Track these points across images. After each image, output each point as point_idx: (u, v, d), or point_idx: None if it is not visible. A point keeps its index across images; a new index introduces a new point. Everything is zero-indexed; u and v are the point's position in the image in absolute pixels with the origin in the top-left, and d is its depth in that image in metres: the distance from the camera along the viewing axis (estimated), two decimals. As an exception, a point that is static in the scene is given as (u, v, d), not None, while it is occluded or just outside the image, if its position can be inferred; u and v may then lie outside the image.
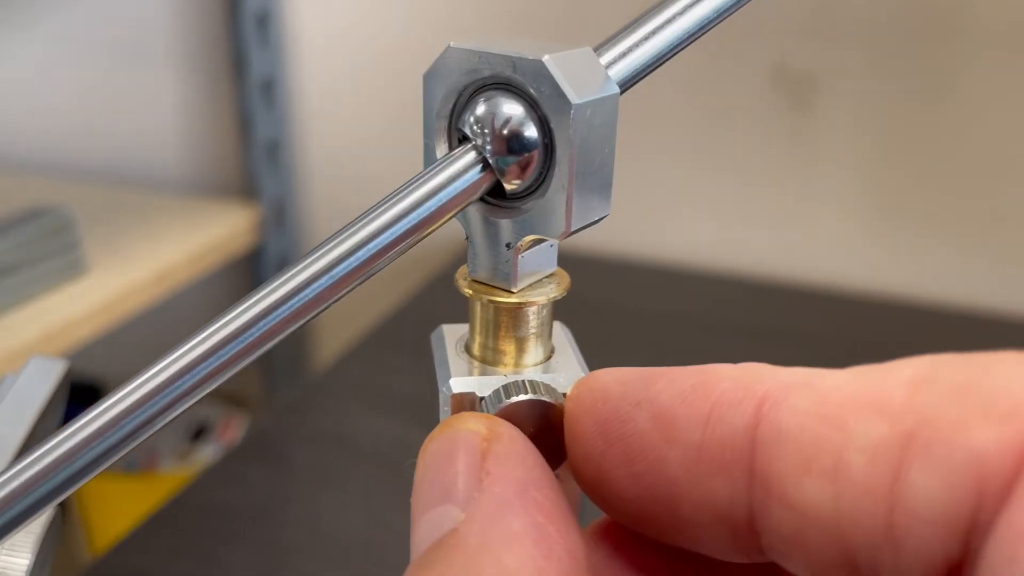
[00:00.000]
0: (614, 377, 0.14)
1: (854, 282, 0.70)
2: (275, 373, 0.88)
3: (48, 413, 0.23)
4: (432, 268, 0.77)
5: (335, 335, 0.86)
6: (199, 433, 0.84)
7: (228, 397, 0.90)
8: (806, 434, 0.12)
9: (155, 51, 0.83)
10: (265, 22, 0.77)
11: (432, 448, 0.14)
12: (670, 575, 0.14)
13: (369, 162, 0.80)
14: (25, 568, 0.19)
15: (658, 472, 0.13)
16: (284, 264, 0.83)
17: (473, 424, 0.14)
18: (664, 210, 0.73)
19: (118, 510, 0.77)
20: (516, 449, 0.13)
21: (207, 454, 0.82)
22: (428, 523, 0.13)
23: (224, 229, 0.78)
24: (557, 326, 0.17)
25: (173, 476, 0.80)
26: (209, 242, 0.76)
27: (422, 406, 0.55)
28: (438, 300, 0.69)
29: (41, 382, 0.24)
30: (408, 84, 0.77)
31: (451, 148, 0.15)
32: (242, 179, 0.84)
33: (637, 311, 0.66)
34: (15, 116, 0.91)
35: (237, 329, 0.14)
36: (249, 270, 0.86)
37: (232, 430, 0.85)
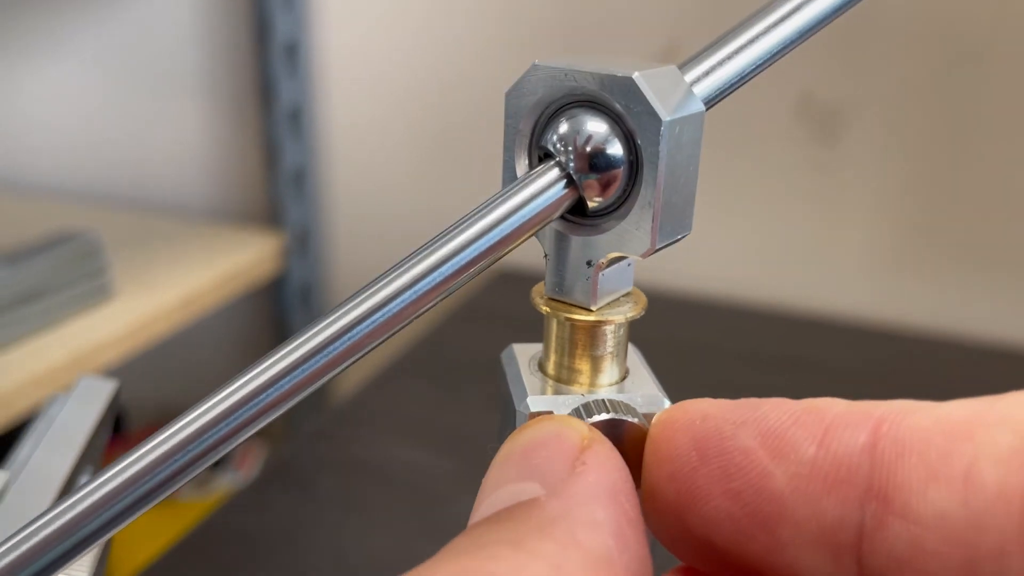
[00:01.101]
0: (712, 403, 0.14)
1: (880, 314, 0.70)
2: (296, 405, 0.87)
3: (99, 433, 0.23)
4: (455, 298, 0.77)
5: (355, 367, 0.86)
6: (218, 462, 0.84)
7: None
8: (932, 447, 0.12)
9: (184, 79, 0.84)
10: (294, 52, 0.77)
11: (527, 432, 0.13)
12: None
13: (394, 191, 0.81)
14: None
15: (760, 489, 0.13)
16: (307, 291, 0.83)
17: (575, 423, 0.14)
18: (688, 241, 0.73)
19: (136, 537, 0.77)
20: (615, 456, 0.13)
21: (226, 482, 0.82)
22: (502, 494, 0.12)
23: (248, 256, 0.78)
24: (630, 347, 0.17)
25: (192, 504, 0.79)
26: (233, 268, 0.76)
27: (447, 435, 0.55)
28: (461, 330, 0.69)
29: (91, 402, 0.24)
30: (434, 115, 0.77)
31: (532, 166, 0.15)
32: (267, 206, 0.84)
33: (659, 342, 0.65)
34: (44, 141, 0.92)
35: (319, 344, 0.14)
36: (272, 297, 0.86)
37: (251, 459, 0.85)
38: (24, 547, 0.13)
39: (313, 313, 0.85)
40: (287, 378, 0.14)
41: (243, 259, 0.77)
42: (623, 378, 0.16)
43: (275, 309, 0.86)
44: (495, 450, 0.14)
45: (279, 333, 0.86)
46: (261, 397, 0.14)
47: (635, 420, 0.15)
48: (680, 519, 0.13)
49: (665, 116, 0.13)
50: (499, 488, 0.13)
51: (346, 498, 0.49)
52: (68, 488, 0.21)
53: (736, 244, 0.73)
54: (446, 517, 0.47)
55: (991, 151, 0.65)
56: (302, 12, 0.77)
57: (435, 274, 0.14)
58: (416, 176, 0.79)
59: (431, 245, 0.14)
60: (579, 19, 0.71)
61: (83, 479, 0.23)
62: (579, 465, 0.13)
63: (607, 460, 0.13)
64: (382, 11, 0.76)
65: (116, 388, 0.24)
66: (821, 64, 0.67)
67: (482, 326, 0.69)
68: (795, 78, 0.68)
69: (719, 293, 0.73)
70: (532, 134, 0.15)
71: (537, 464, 0.13)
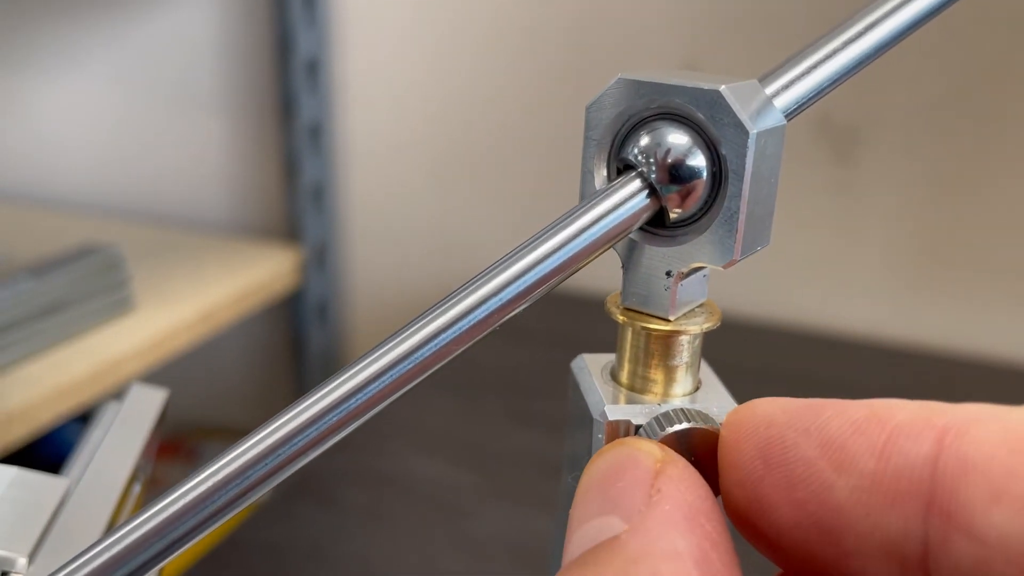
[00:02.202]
0: (778, 405, 0.14)
1: (897, 332, 0.70)
2: (310, 416, 0.87)
3: (151, 441, 0.23)
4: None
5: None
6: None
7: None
8: (996, 464, 0.11)
9: (204, 94, 0.85)
10: (315, 68, 0.78)
11: (601, 462, 0.14)
12: None
13: (412, 207, 0.81)
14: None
15: (823, 500, 0.13)
16: (325, 306, 0.83)
17: (647, 446, 0.14)
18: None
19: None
20: (689, 475, 0.13)
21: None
22: (587, 531, 0.13)
23: (267, 270, 0.78)
24: (701, 361, 0.17)
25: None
26: (252, 283, 0.76)
27: (470, 448, 0.55)
28: (485, 345, 0.69)
29: (144, 411, 0.24)
30: (453, 131, 0.78)
31: (610, 178, 0.15)
32: (286, 221, 0.84)
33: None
34: (64, 157, 0.93)
35: (405, 352, 0.14)
36: (290, 311, 0.86)
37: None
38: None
39: (330, 328, 0.86)
40: (376, 383, 0.14)
41: (262, 273, 0.77)
42: (696, 389, 0.16)
43: (293, 323, 0.86)
44: (576, 479, 0.14)
45: (296, 347, 0.87)
46: (343, 407, 0.14)
47: (712, 428, 0.15)
48: (752, 524, 0.14)
49: (752, 129, 0.14)
50: (584, 524, 0.13)
51: (371, 510, 0.49)
52: (126, 497, 0.21)
53: (752, 263, 0.73)
54: (469, 529, 0.47)
55: (1008, 171, 0.65)
56: (324, 29, 0.78)
57: (522, 280, 0.14)
58: (434, 192, 0.79)
59: (516, 252, 0.15)
60: (597, 38, 0.72)
61: (136, 487, 0.23)
62: (655, 493, 0.13)
63: (682, 482, 0.13)
64: (403, 29, 0.77)
65: (167, 397, 0.24)
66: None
67: (506, 341, 0.69)
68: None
69: (733, 310, 0.73)
70: (611, 146, 0.15)
71: (615, 496, 0.13)
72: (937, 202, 0.68)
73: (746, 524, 0.14)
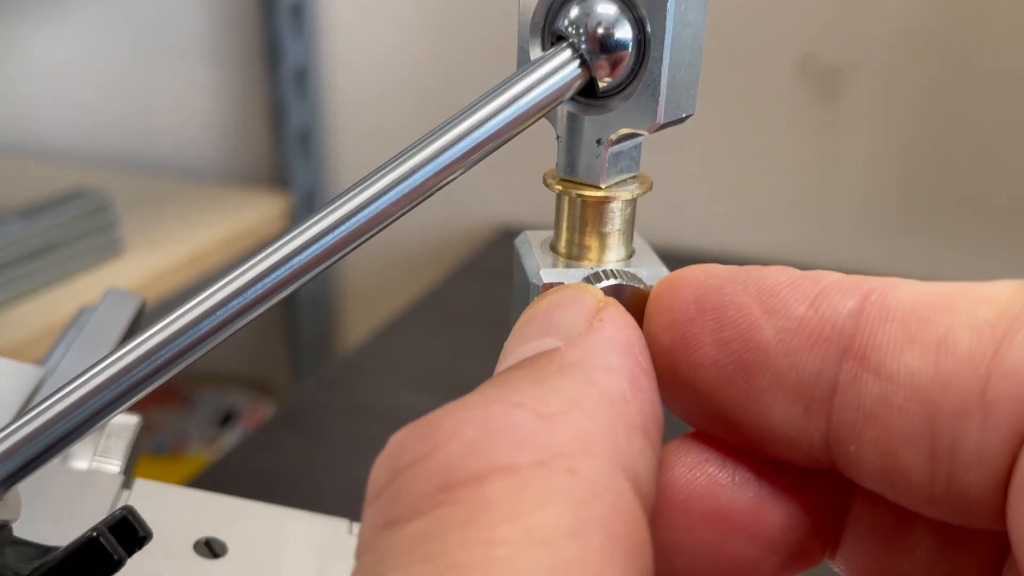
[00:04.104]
0: (720, 266, 0.15)
1: (880, 271, 0.71)
2: (301, 361, 0.89)
3: (125, 342, 0.24)
4: (459, 256, 0.78)
5: (361, 323, 0.87)
6: (227, 419, 0.85)
7: (254, 384, 0.91)
8: (914, 314, 0.13)
9: (190, 41, 0.85)
10: (299, 12, 0.78)
11: (544, 299, 0.14)
12: (740, 491, 0.15)
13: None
14: (118, 470, 0.20)
15: (748, 339, 0.14)
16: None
17: (590, 288, 0.14)
18: (688, 200, 0.74)
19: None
20: (627, 317, 0.14)
21: (234, 439, 0.83)
22: (524, 349, 0.13)
23: (256, 216, 0.79)
24: (636, 234, 0.18)
25: (201, 459, 0.81)
26: (241, 228, 0.77)
27: (452, 382, 0.56)
28: (465, 286, 0.70)
29: (118, 315, 0.25)
30: (440, 72, 0.78)
31: (544, 51, 0.16)
32: (274, 168, 0.85)
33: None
34: (53, 106, 0.93)
35: (361, 203, 0.15)
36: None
37: (259, 416, 0.86)
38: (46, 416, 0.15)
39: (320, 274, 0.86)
40: (327, 237, 0.15)
41: (251, 219, 0.78)
42: (629, 256, 0.17)
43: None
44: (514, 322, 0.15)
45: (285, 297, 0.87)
46: (305, 255, 0.15)
47: (640, 286, 0.16)
48: (671, 365, 0.14)
49: (671, -7, 0.14)
50: (521, 346, 0.14)
51: (357, 441, 0.51)
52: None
53: (734, 202, 0.74)
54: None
55: (989, 109, 0.65)
56: (308, -27, 0.77)
57: (457, 147, 0.15)
58: (422, 134, 0.79)
59: (451, 122, 0.15)
60: None
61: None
62: (596, 322, 0.14)
63: (622, 318, 0.14)
64: (387, -28, 0.77)
65: (142, 301, 0.25)
66: (820, 26, 0.68)
67: (485, 282, 0.70)
68: (795, 40, 0.69)
69: (721, 250, 0.74)
70: (544, 21, 0.16)
71: (556, 322, 0.14)
72: (920, 141, 0.68)
73: (666, 367, 0.14)
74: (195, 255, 0.71)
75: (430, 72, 0.78)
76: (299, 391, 0.62)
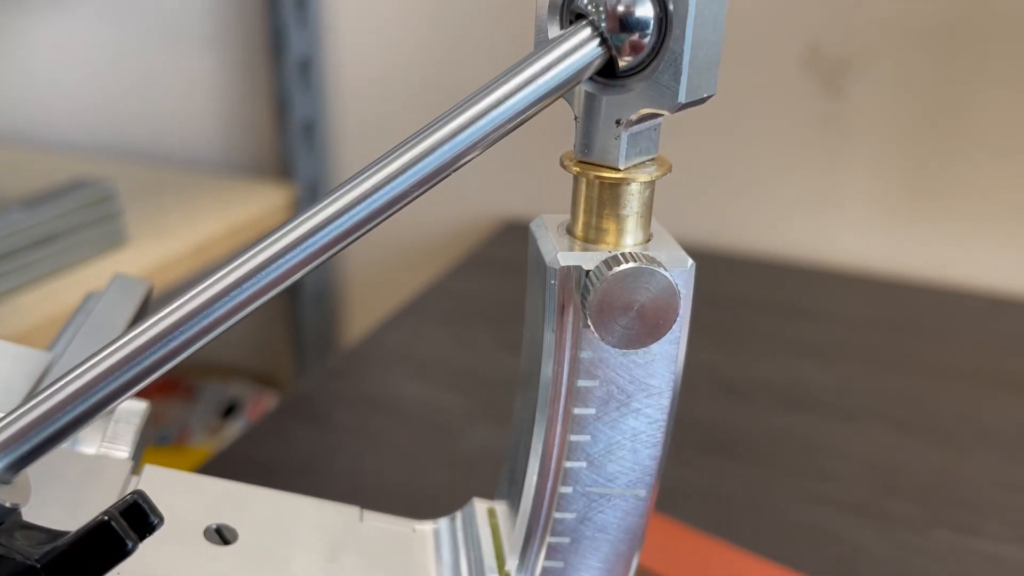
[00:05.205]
0: None
1: (885, 265, 0.71)
2: (305, 352, 0.88)
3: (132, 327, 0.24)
4: (465, 247, 0.78)
5: (364, 314, 0.87)
6: (230, 410, 0.85)
7: (258, 375, 0.91)
8: None
9: (194, 31, 0.84)
10: (303, 2, 0.78)
11: None
12: None
13: (403, 143, 0.81)
14: (127, 455, 0.20)
15: None
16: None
17: None
18: (694, 192, 0.74)
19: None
20: None
21: (237, 430, 0.83)
22: None
23: (260, 207, 0.79)
24: (654, 220, 0.17)
25: (204, 450, 0.81)
26: (246, 219, 0.76)
27: (457, 373, 0.56)
28: (470, 278, 0.69)
29: (125, 300, 0.25)
30: (444, 63, 0.78)
31: (563, 29, 0.16)
32: (278, 159, 0.85)
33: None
34: (56, 96, 0.92)
35: (380, 181, 0.14)
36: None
37: (262, 408, 0.86)
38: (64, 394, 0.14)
39: (324, 265, 0.86)
40: (347, 215, 0.14)
41: (255, 209, 0.78)
42: (647, 240, 0.17)
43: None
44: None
45: (293, 283, 0.87)
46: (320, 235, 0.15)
47: (660, 271, 0.15)
48: None
49: (695, -30, 0.14)
50: None
51: (361, 430, 0.50)
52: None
53: (739, 195, 0.73)
54: (457, 448, 0.48)
55: (997, 102, 0.65)
56: (312, -38, 0.77)
57: (474, 127, 0.15)
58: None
59: (468, 101, 0.15)
60: None
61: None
62: None
63: None
64: (392, -38, 0.76)
65: (149, 287, 0.25)
66: (827, 17, 0.68)
67: (491, 274, 0.70)
68: (801, 31, 0.68)
69: (728, 244, 0.74)
70: (563, 2, 0.16)
71: None
72: (927, 134, 0.68)
73: None
74: (198, 246, 0.71)
75: (435, 62, 0.78)
76: (303, 382, 0.62)
